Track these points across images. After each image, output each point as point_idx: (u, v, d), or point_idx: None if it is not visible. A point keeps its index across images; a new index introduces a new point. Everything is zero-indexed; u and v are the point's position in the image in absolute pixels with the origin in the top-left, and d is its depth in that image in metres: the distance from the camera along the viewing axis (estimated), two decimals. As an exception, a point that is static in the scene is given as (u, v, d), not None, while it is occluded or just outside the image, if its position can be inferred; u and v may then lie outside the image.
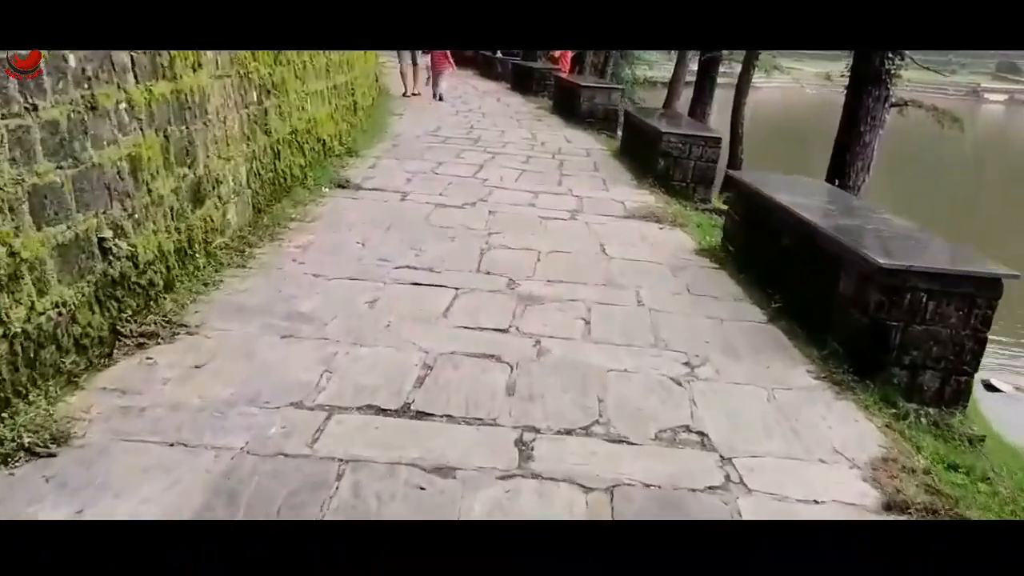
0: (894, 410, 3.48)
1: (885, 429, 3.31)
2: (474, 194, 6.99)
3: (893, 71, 11.81)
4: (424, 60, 15.28)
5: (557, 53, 17.93)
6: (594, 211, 6.79)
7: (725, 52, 18.30)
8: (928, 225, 4.60)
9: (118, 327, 3.34)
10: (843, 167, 12.13)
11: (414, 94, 14.93)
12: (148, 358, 3.26)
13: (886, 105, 12.01)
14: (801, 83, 51.67)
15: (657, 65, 53.68)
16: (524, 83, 16.96)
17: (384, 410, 3.02)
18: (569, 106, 12.77)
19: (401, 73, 15.26)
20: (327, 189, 6.69)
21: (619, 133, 12.35)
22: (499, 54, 21.38)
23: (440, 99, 14.90)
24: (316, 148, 7.18)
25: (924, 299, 3.57)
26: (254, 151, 5.39)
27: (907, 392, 3.62)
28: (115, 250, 3.34)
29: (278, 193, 5.89)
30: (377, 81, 12.59)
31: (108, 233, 3.29)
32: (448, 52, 15.35)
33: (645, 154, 8.49)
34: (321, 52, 7.61)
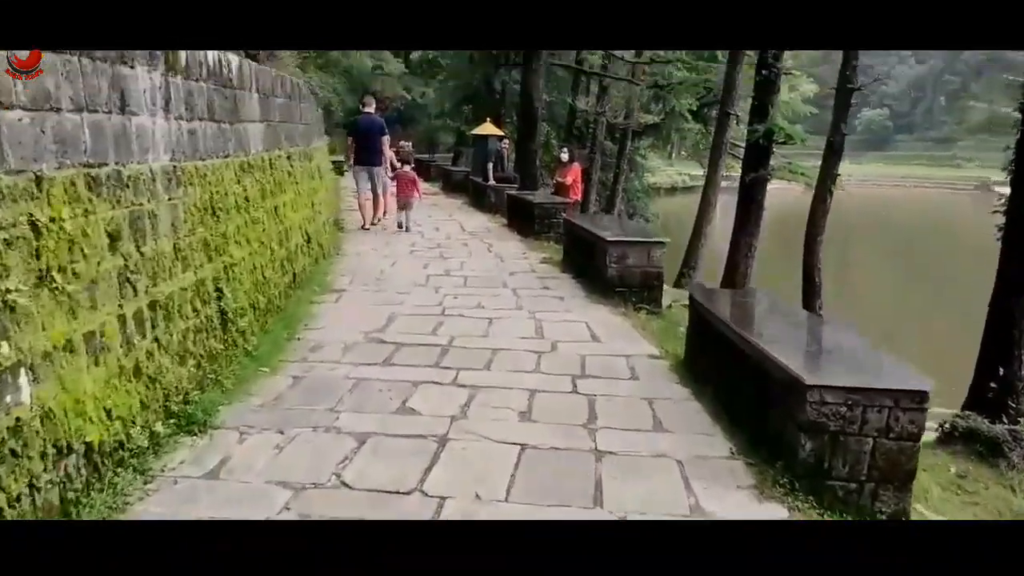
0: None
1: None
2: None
3: None
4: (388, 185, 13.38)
5: (568, 179, 14.24)
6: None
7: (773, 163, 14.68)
8: None
9: None
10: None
11: (371, 224, 13.08)
12: None
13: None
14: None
15: (658, 171, 51.37)
16: (523, 221, 13.17)
17: None
18: (590, 266, 8.88)
19: (360, 204, 13.00)
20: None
21: (664, 303, 8.43)
22: (491, 181, 17.80)
23: (407, 230, 12.76)
24: (38, 470, 3.15)
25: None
26: None
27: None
28: None
29: None
30: (309, 243, 8.75)
31: None
32: (416, 179, 13.15)
33: (758, 405, 4.43)
34: (99, 254, 3.72)
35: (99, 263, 3.67)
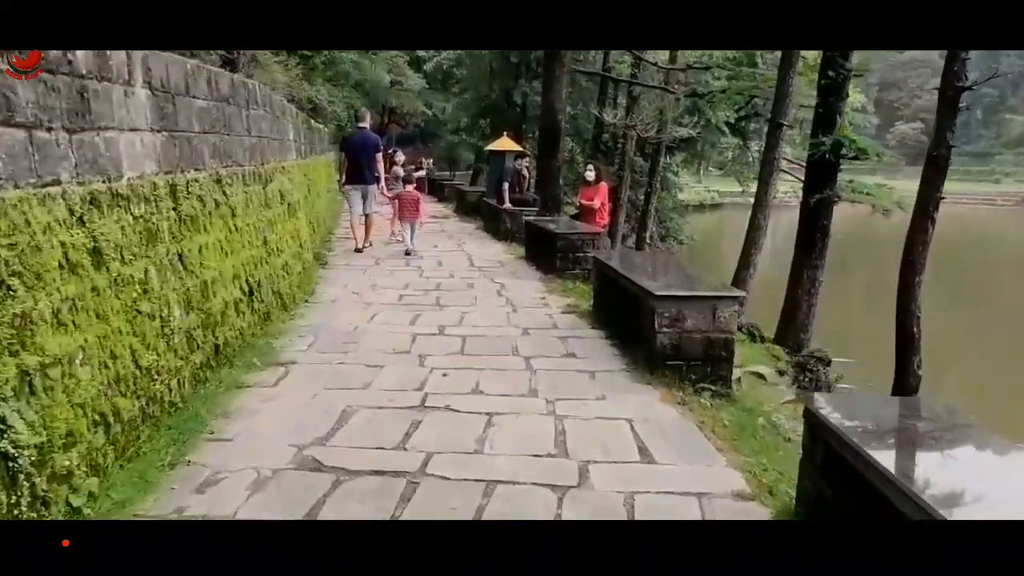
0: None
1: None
2: None
3: None
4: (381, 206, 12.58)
5: (596, 202, 11.99)
6: None
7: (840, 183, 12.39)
8: None
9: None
10: None
11: (364, 246, 12.02)
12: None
13: None
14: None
15: (687, 188, 49.27)
16: (543, 254, 10.90)
17: None
18: (630, 323, 6.59)
19: (352, 225, 12.23)
20: None
21: (737, 382, 6.10)
22: (507, 204, 15.59)
23: (408, 254, 11.41)
24: None
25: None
26: None
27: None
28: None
29: None
30: (253, 295, 6.54)
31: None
32: (419, 199, 11.88)
33: None
34: None
35: None
